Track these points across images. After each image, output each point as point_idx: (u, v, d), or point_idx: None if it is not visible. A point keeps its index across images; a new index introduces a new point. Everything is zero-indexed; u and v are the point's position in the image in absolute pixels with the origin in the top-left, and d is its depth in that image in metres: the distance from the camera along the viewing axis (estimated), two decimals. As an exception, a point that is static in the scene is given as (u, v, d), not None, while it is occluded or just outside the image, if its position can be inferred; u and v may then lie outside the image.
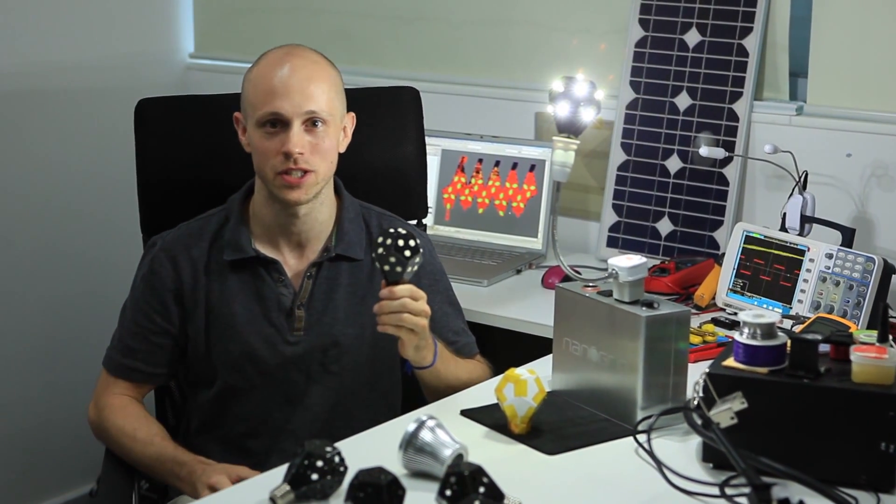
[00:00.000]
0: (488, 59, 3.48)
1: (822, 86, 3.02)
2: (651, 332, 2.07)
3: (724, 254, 2.78)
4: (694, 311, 2.70)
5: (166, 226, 2.49)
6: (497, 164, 3.28)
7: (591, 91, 2.32)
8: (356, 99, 2.52)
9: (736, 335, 1.96)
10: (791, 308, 2.62)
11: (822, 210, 2.80)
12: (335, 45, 3.54)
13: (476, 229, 3.30)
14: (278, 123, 2.33)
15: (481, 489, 1.72)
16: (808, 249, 2.62)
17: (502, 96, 3.43)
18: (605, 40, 3.28)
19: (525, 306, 2.85)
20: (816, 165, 2.91)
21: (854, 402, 1.87)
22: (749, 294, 2.69)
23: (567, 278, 2.39)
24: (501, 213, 3.28)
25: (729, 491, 1.84)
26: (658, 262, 2.97)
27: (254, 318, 2.39)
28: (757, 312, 1.95)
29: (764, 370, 1.92)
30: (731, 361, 1.95)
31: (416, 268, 2.20)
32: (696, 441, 1.99)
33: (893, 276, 2.56)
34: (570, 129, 2.31)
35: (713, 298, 2.76)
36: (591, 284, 2.21)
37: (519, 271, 3.11)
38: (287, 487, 1.81)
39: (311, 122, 2.33)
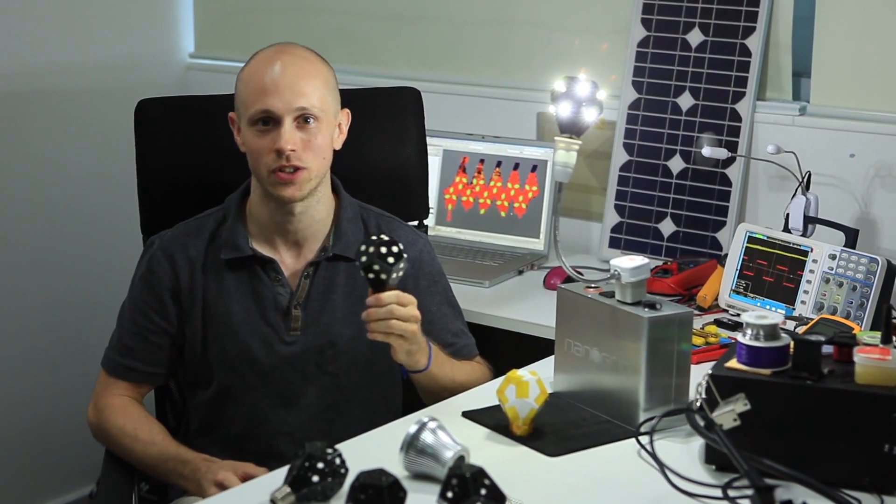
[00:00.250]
0: (490, 59, 3.48)
1: (826, 86, 3.01)
2: (653, 333, 2.07)
3: (726, 255, 2.77)
4: (696, 312, 2.69)
5: (166, 226, 2.49)
6: (499, 164, 3.27)
7: (594, 91, 2.32)
8: (357, 99, 2.51)
9: (739, 336, 1.95)
10: (794, 309, 2.61)
11: (825, 211, 2.79)
12: (336, 45, 3.55)
13: (477, 230, 3.30)
14: (270, 121, 2.33)
15: (483, 491, 1.72)
16: (812, 250, 2.62)
17: (504, 96, 3.42)
18: (607, 40, 3.28)
19: (527, 307, 2.84)
20: (820, 166, 2.90)
21: (857, 403, 1.86)
22: (752, 295, 2.68)
23: (569, 279, 2.39)
24: (503, 214, 3.27)
25: (732, 493, 1.84)
26: (660, 262, 2.96)
27: (250, 318, 2.39)
28: (760, 313, 1.95)
29: (767, 372, 1.91)
30: (733, 363, 1.95)
31: (401, 273, 2.17)
32: (698, 443, 1.99)
33: (897, 276, 2.56)
34: (572, 129, 2.30)
35: (716, 299, 2.76)
36: (593, 285, 2.21)
37: (521, 272, 3.10)
38: (288, 489, 1.80)
39: (303, 119, 2.33)
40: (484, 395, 2.25)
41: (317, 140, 2.34)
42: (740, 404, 1.83)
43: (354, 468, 1.77)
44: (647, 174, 3.17)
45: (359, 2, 3.69)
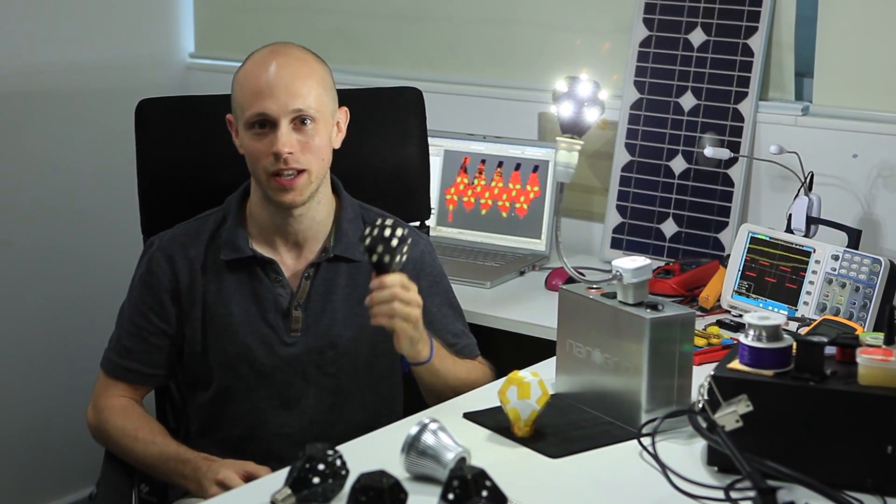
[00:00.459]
0: (491, 59, 3.47)
1: (828, 86, 3.01)
2: (655, 334, 2.06)
3: (729, 255, 2.77)
4: (699, 313, 2.68)
5: (166, 226, 2.49)
6: (500, 164, 3.27)
7: (595, 91, 2.32)
8: (358, 99, 2.51)
9: (741, 337, 1.95)
10: (797, 310, 2.61)
11: (827, 211, 2.78)
12: (336, 45, 3.54)
13: (479, 230, 3.29)
14: (266, 124, 2.32)
15: (484, 493, 1.72)
16: (814, 251, 2.61)
17: (505, 96, 3.42)
18: (609, 40, 3.27)
19: (528, 308, 2.84)
20: (822, 166, 2.90)
21: (860, 404, 1.86)
22: (754, 296, 2.68)
23: (571, 280, 2.38)
24: (504, 215, 3.26)
25: (734, 494, 1.84)
26: (662, 263, 2.95)
27: (250, 319, 2.38)
28: (762, 314, 1.94)
29: (769, 373, 1.91)
30: (736, 364, 1.94)
31: (404, 257, 2.18)
32: (700, 444, 1.98)
33: (900, 277, 2.55)
34: (573, 129, 2.30)
35: (718, 300, 2.75)
36: (594, 286, 2.20)
37: (522, 273, 3.10)
38: (288, 491, 1.80)
39: (300, 121, 2.32)
40: (485, 397, 2.25)
41: (314, 141, 2.33)
42: (742, 405, 1.82)
43: (355, 470, 1.77)
44: (649, 174, 3.17)
45: (359, 1, 3.69)
